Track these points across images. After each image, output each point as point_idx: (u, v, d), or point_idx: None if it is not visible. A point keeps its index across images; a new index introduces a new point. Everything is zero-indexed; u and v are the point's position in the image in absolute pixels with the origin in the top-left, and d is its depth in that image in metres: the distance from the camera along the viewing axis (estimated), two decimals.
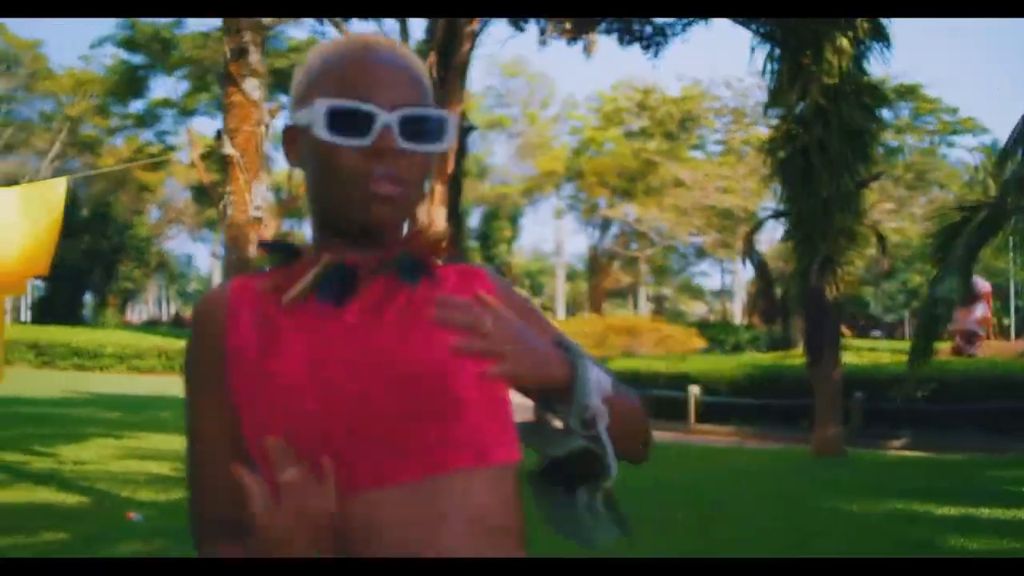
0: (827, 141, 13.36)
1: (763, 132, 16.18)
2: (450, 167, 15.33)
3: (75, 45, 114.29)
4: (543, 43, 16.01)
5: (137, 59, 47.97)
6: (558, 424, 1.37)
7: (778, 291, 16.39)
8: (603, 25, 15.63)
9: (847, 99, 13.44)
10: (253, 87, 11.61)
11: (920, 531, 7.85)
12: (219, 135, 11.81)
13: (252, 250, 11.71)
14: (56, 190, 7.41)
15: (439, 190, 15.21)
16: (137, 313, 73.03)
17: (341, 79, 1.39)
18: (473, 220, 57.01)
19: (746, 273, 52.76)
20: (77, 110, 48.88)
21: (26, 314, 49.12)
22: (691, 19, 15.67)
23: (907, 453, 15.13)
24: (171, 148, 50.63)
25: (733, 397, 18.87)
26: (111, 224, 48.54)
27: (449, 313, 1.28)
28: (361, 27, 20.74)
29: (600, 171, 53.02)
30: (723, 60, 68.36)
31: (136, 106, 51.66)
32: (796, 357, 18.92)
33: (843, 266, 13.66)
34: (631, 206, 52.32)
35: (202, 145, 29.19)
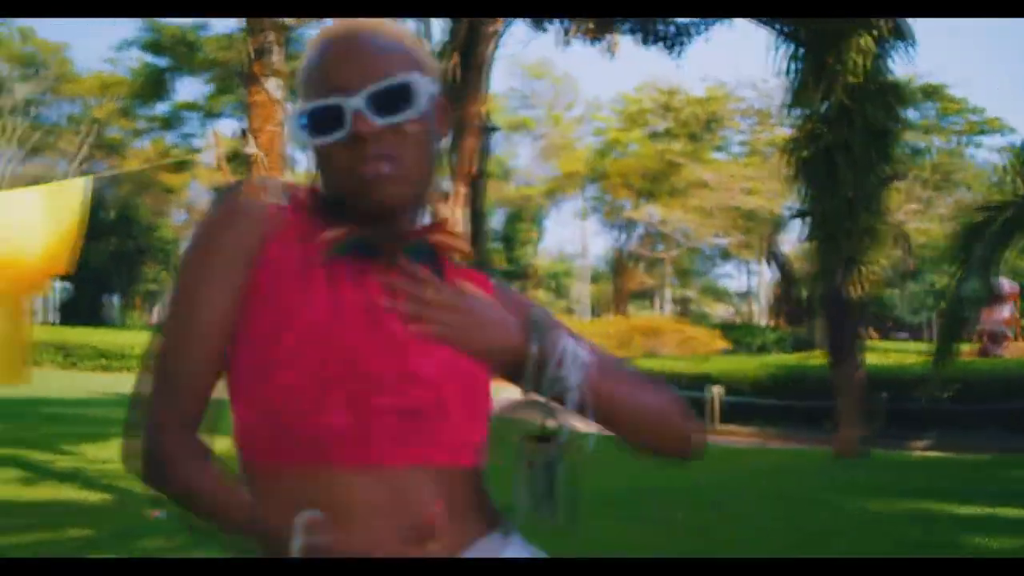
0: (851, 140, 13.31)
1: (788, 133, 16.10)
2: (472, 167, 15.31)
3: (101, 48, 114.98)
4: (566, 43, 15.97)
5: (162, 62, 48.21)
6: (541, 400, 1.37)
7: (802, 292, 16.31)
8: (625, 25, 15.61)
9: (870, 98, 13.39)
10: (275, 87, 11.65)
11: (941, 531, 7.80)
12: (243, 134, 11.85)
13: None
14: (79, 189, 7.45)
15: (461, 191, 15.19)
16: (162, 314, 73.27)
17: (317, 78, 1.41)
18: (496, 222, 56.94)
19: (770, 274, 52.62)
20: (103, 113, 49.16)
21: (52, 316, 49.42)
22: (713, 19, 15.64)
23: (930, 454, 15.05)
24: (196, 150, 50.84)
25: (756, 398, 18.81)
26: (136, 226, 48.84)
27: (398, 281, 1.32)
28: None
29: (624, 172, 52.83)
30: (747, 61, 68.23)
31: (161, 108, 51.96)
32: (820, 358, 18.84)
33: (866, 266, 13.59)
34: (655, 208, 52.15)
35: (226, 147, 29.29)
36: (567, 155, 57.24)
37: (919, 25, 14.17)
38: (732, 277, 70.22)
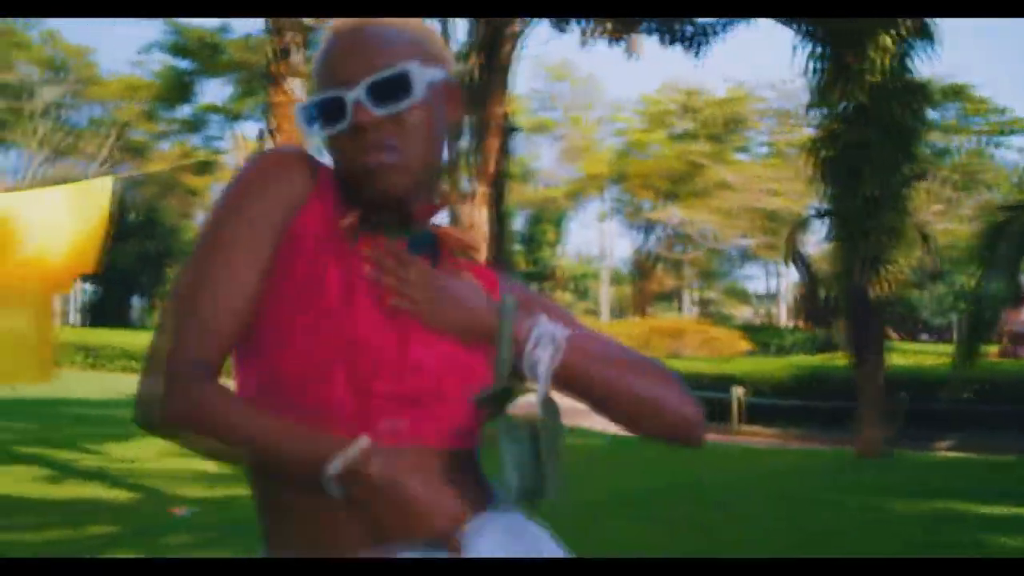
0: (873, 140, 13.27)
1: (810, 133, 16.05)
2: (495, 168, 15.34)
3: (124, 51, 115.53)
4: (584, 43, 15.96)
5: (185, 64, 48.44)
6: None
7: (824, 292, 16.28)
8: (644, 25, 15.59)
9: (894, 97, 13.35)
10: (298, 87, 11.71)
11: (964, 531, 7.78)
12: (261, 135, 11.90)
13: None
14: (103, 188, 7.51)
15: (482, 192, 15.21)
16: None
17: (324, 71, 1.44)
18: (518, 223, 56.91)
19: (792, 275, 52.40)
20: (126, 115, 49.38)
21: (76, 317, 49.68)
22: (734, 19, 15.60)
23: (953, 454, 14.99)
24: (219, 152, 51.02)
25: (778, 399, 18.76)
26: (159, 228, 49.02)
27: (379, 261, 1.37)
28: None
29: (645, 174, 52.72)
30: (769, 61, 67.96)
31: (184, 111, 52.16)
32: (843, 359, 18.78)
33: (890, 265, 13.54)
34: (676, 209, 52.07)
35: (250, 149, 29.40)
36: (589, 156, 57.12)
37: (944, 25, 14.09)
38: (754, 279, 70.05)
